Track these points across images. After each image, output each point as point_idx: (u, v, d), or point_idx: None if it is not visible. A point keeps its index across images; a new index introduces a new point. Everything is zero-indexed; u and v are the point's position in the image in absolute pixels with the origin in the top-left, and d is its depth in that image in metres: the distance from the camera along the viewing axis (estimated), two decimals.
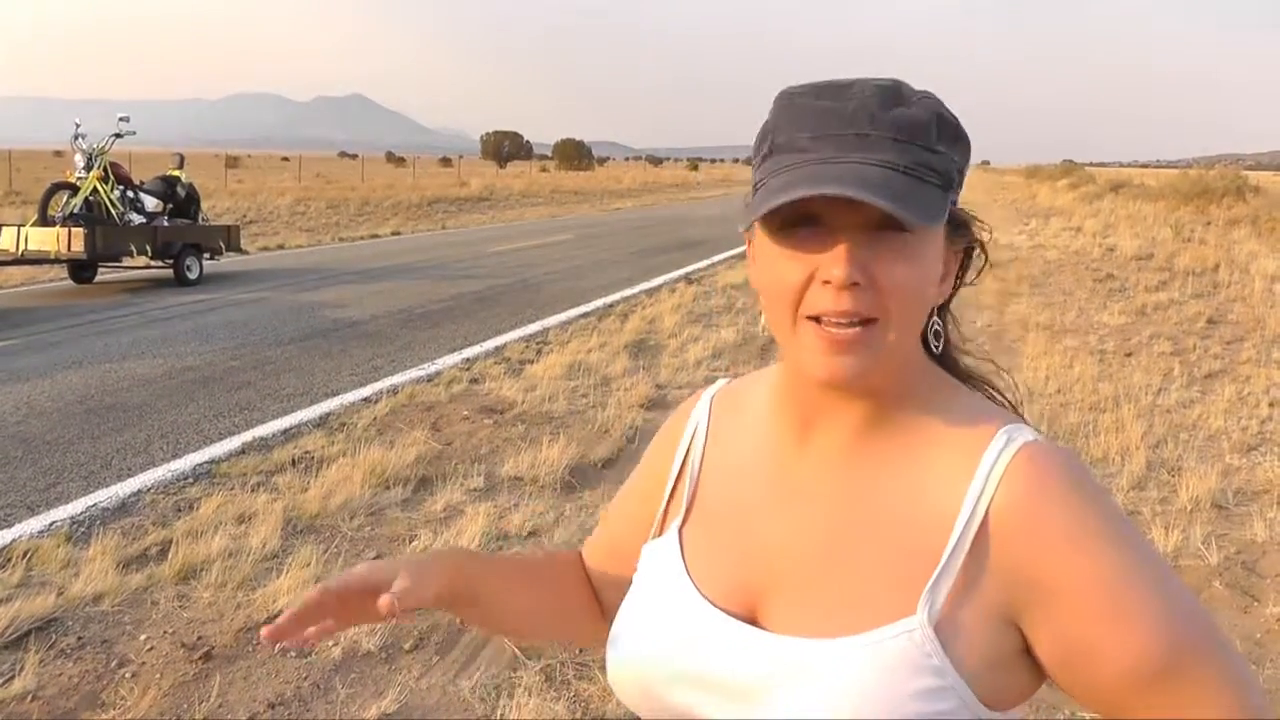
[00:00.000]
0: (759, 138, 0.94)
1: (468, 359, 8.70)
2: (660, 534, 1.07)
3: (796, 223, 0.88)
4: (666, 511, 1.08)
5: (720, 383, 1.16)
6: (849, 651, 0.85)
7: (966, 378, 1.02)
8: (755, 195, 0.91)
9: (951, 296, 1.00)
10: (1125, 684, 0.84)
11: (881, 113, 0.87)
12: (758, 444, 1.01)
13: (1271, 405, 7.16)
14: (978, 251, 1.01)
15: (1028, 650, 0.88)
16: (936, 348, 0.97)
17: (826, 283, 0.86)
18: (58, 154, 69.09)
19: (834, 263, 0.85)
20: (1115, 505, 0.88)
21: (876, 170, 0.85)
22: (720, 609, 0.95)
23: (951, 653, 0.85)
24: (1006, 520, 0.86)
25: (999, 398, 1.02)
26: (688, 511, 1.05)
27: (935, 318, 0.97)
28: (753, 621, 0.93)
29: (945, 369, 1.00)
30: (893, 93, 0.89)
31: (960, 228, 0.95)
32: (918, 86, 0.92)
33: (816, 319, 0.87)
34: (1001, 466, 0.87)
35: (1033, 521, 0.85)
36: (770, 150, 0.92)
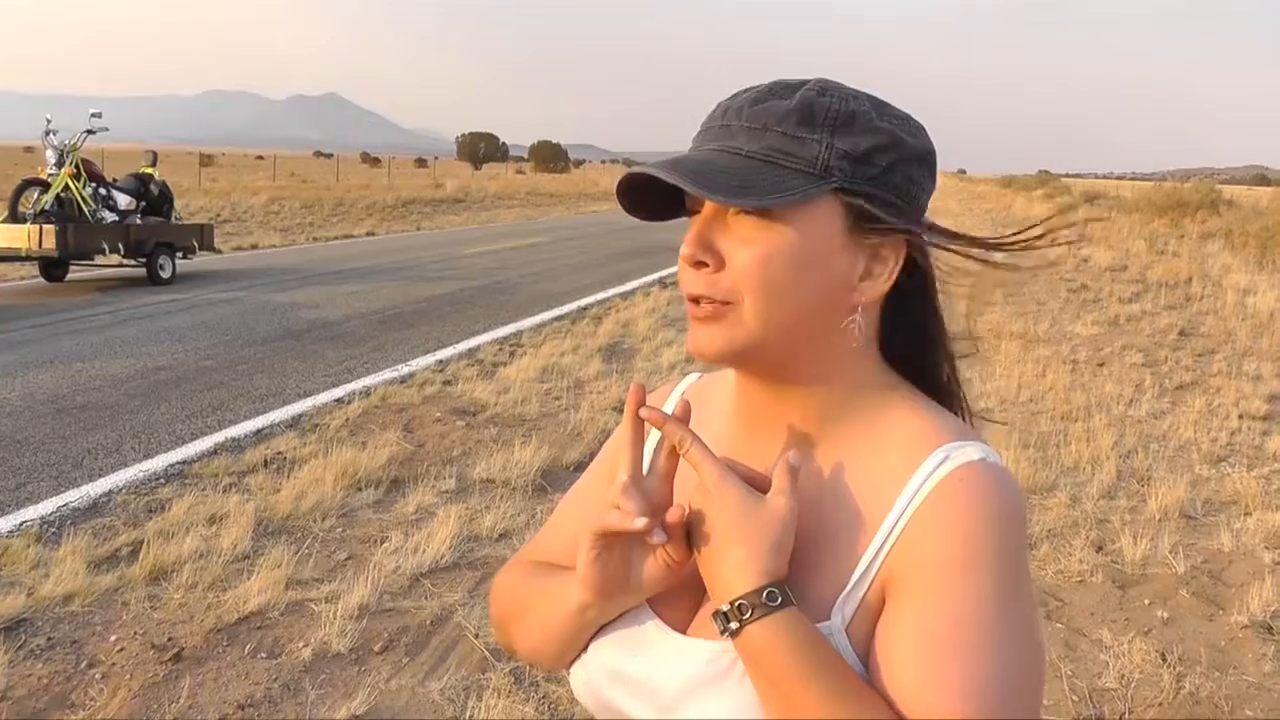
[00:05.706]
0: None
1: (441, 361, 8.68)
2: None
3: (692, 212, 0.93)
4: None
5: (691, 378, 1.15)
6: None
7: (930, 384, 0.99)
8: None
9: (887, 294, 0.94)
10: (892, 695, 0.81)
11: (752, 105, 0.89)
12: (712, 443, 0.95)
13: (1241, 417, 7.25)
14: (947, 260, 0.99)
15: None
16: (852, 345, 0.93)
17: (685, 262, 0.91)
18: (28, 149, 68.51)
19: (684, 241, 0.90)
20: (1015, 559, 0.83)
21: (714, 154, 0.88)
22: (657, 613, 0.94)
23: (865, 658, 0.85)
24: (915, 537, 0.84)
25: (962, 408, 1.01)
26: None
27: (857, 316, 0.91)
28: (692, 625, 0.93)
29: (907, 376, 0.98)
30: (785, 88, 0.90)
31: (866, 219, 0.89)
32: (877, 93, 0.91)
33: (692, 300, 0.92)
34: (929, 487, 0.85)
35: (934, 538, 0.83)
36: None
